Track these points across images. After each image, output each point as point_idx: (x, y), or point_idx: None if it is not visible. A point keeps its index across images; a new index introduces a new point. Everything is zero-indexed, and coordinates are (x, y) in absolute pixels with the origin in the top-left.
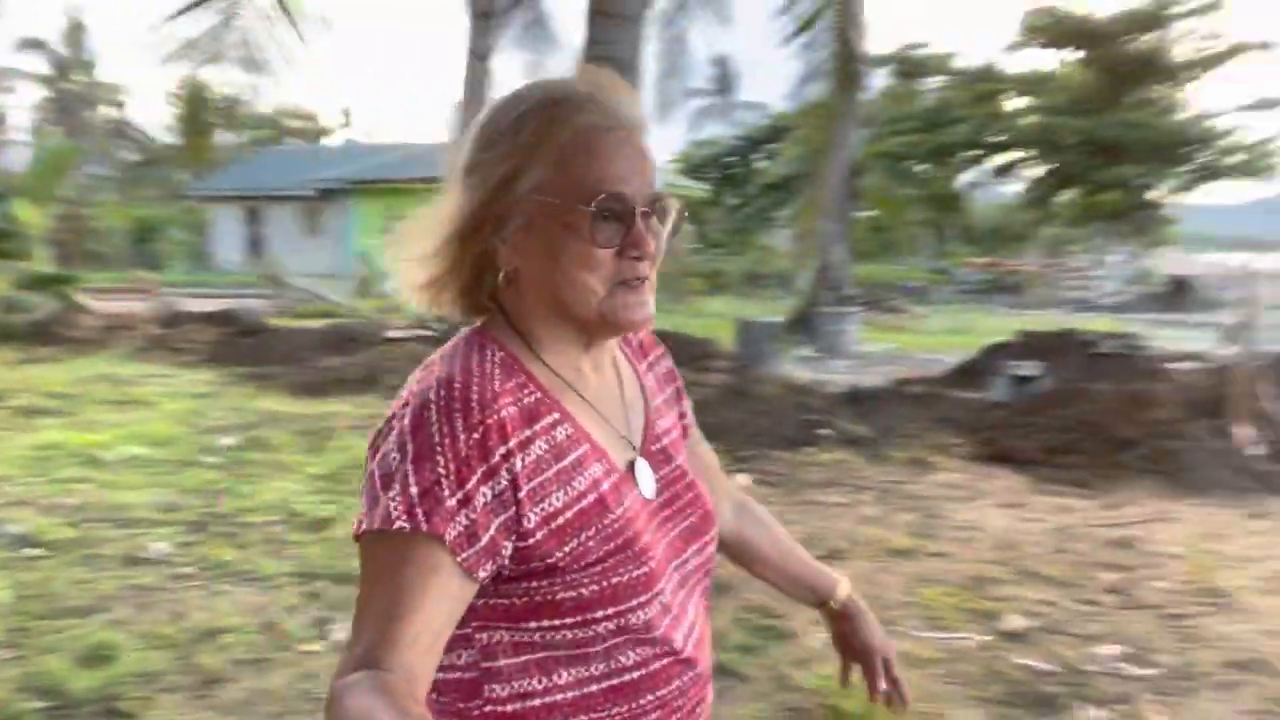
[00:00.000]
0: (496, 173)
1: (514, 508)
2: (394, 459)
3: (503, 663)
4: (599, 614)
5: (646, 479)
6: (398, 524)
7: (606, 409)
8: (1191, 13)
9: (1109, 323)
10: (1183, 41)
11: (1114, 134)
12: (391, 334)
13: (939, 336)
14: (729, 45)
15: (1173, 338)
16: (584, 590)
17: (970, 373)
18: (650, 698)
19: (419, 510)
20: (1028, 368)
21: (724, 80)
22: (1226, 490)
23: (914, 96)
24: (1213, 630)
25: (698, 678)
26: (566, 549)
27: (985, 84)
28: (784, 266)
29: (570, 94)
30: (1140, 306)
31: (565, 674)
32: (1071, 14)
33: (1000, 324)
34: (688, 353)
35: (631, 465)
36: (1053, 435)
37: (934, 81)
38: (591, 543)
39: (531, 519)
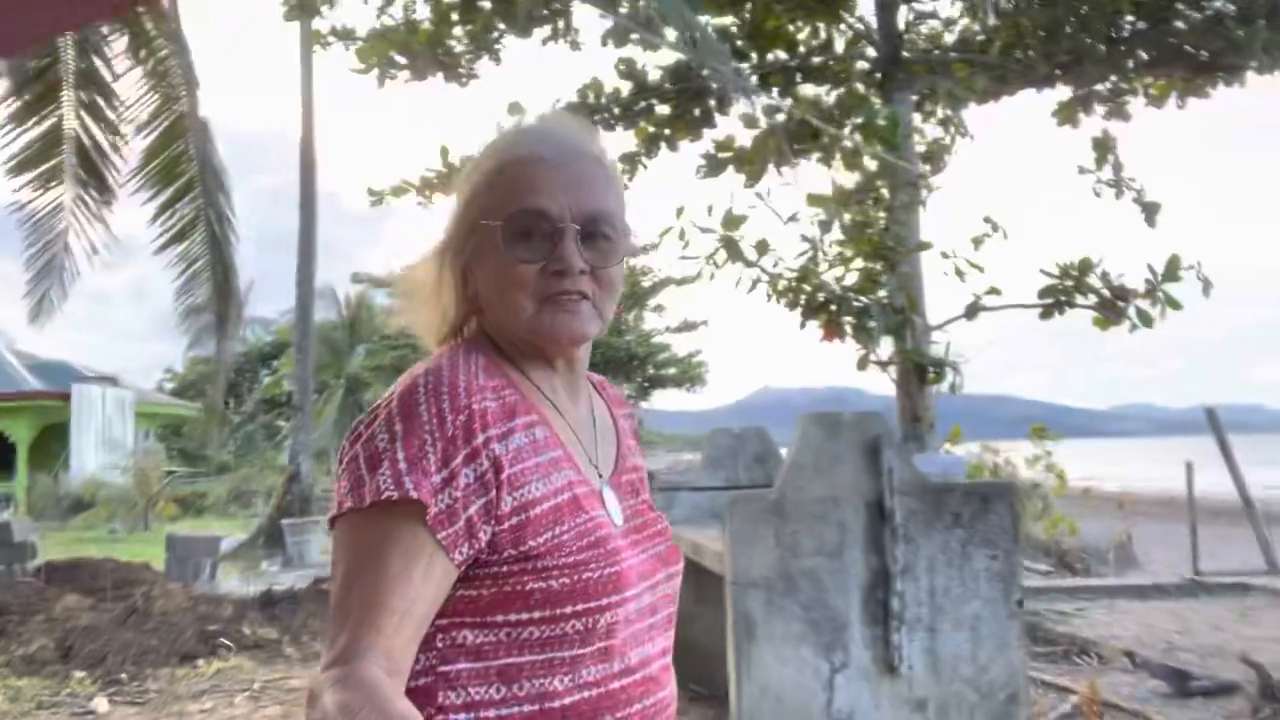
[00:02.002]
0: (458, 210)
1: (494, 491)
2: (382, 439)
3: (463, 666)
4: (567, 609)
5: (614, 507)
6: (385, 494)
7: (579, 431)
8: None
9: None
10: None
11: None
12: None
13: None
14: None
15: None
16: (554, 583)
17: None
18: (610, 718)
19: (406, 480)
20: None
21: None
22: None
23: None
24: None
25: (662, 702)
26: (541, 539)
27: None
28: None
29: (515, 131)
30: None
31: (526, 685)
32: None
33: None
34: (111, 580)
35: (599, 492)
36: None
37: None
38: (566, 536)
39: (508, 503)
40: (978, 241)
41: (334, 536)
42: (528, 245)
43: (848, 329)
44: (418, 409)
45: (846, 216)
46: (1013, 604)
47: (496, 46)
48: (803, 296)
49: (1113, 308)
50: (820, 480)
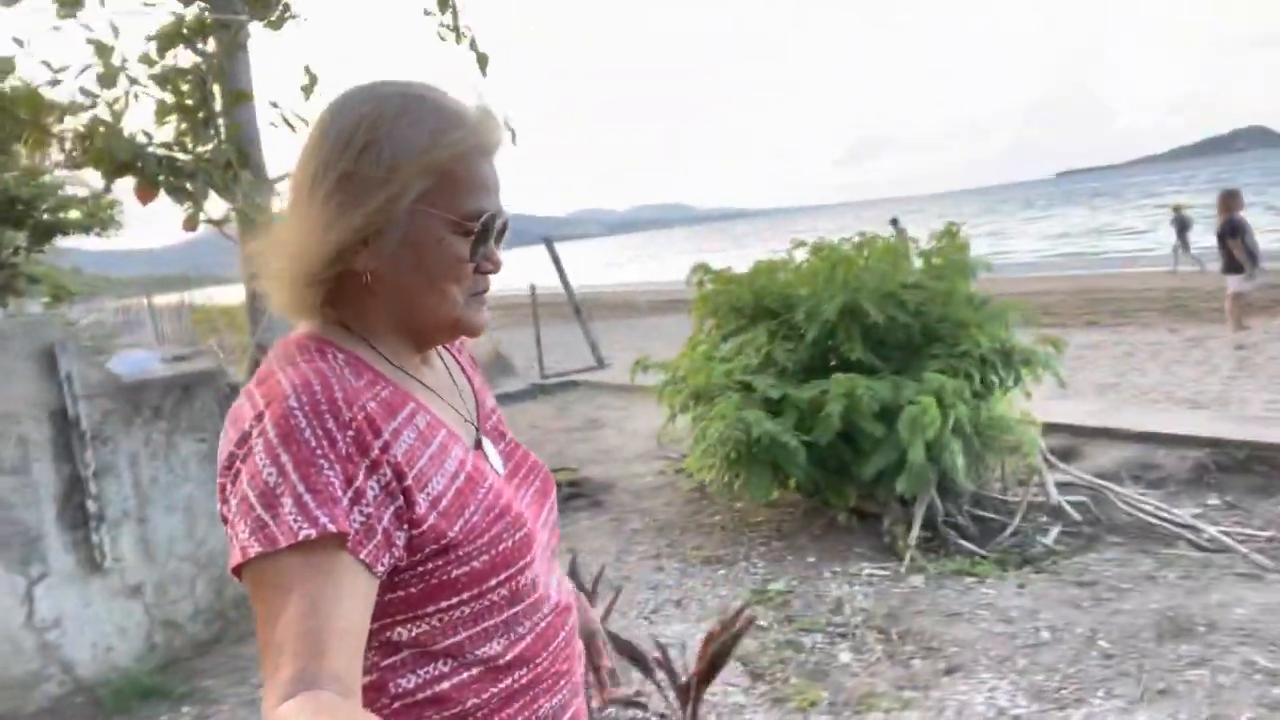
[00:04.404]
0: (384, 188)
1: (401, 497)
2: (270, 473)
3: (406, 654)
4: (492, 582)
5: (494, 456)
6: (302, 534)
7: (446, 396)
8: None
9: None
10: None
11: None
12: None
13: None
14: None
15: None
16: (475, 564)
17: None
18: (544, 654)
19: (318, 514)
20: None
21: None
22: None
23: None
24: None
25: (572, 620)
26: (456, 529)
27: None
28: None
29: (451, 111)
30: None
31: (469, 656)
32: None
33: None
34: None
35: (479, 445)
36: None
37: None
38: (475, 517)
39: (421, 505)
40: (308, 90)
41: (248, 583)
42: (478, 244)
43: (162, 188)
44: (301, 434)
45: (148, 69)
46: None
47: None
48: (101, 156)
49: None
50: None
